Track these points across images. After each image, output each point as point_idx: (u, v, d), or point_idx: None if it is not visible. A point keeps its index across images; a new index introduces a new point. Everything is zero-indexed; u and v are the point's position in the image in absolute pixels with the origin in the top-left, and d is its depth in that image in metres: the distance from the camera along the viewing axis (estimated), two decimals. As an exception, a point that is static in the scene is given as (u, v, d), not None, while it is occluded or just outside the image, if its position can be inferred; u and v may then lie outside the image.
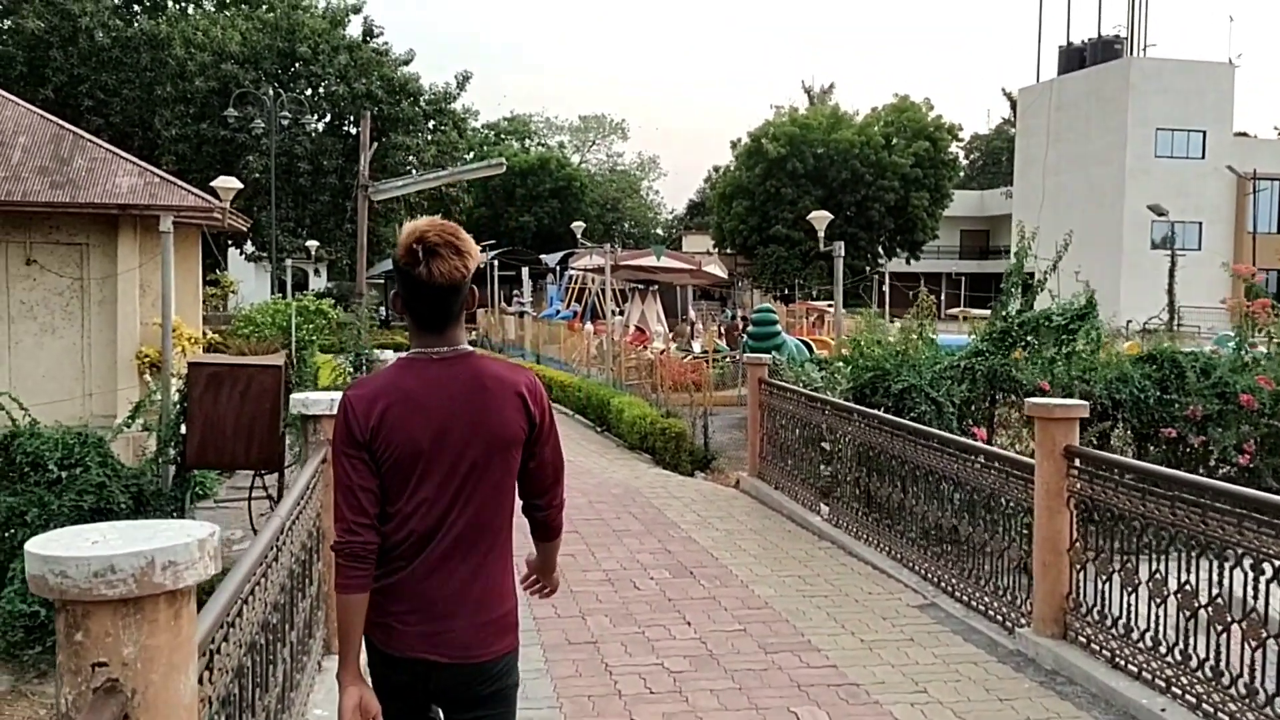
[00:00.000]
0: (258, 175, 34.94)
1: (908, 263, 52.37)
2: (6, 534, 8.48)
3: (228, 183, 11.19)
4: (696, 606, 6.10)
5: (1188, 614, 4.32)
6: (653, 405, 15.95)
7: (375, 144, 34.12)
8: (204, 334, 14.24)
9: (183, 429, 9.44)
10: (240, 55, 35.84)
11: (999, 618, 5.67)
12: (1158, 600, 4.42)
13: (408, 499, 2.48)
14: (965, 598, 6.05)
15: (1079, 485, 4.99)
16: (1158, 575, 4.43)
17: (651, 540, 7.80)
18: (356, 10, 39.47)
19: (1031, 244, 11.70)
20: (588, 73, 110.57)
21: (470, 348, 2.60)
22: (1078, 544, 5.05)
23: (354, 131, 36.63)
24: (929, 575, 6.52)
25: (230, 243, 39.77)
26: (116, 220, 12.08)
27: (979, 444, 6.30)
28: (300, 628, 4.01)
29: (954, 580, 6.22)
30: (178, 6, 40.08)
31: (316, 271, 49.96)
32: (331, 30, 37.95)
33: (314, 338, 20.57)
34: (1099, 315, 11.01)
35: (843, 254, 12.00)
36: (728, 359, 21.93)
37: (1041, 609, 5.14)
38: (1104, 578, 4.81)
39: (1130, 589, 4.62)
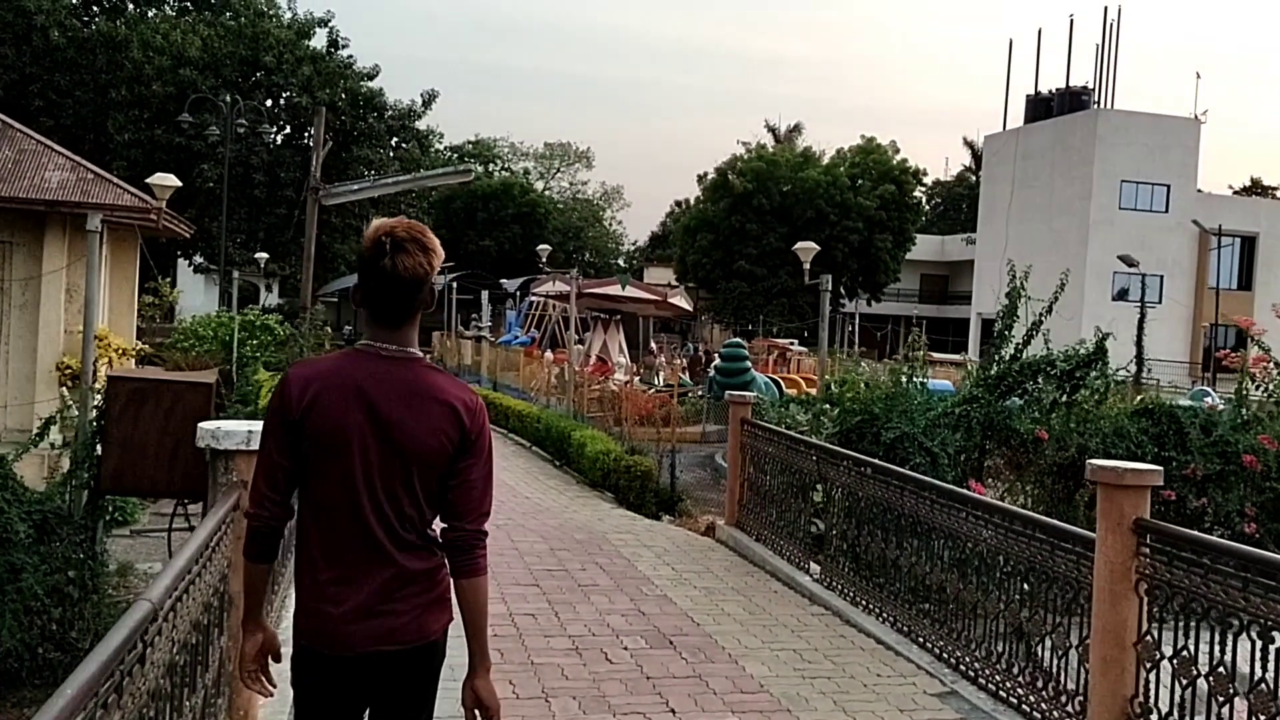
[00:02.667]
0: (211, 184, 33.75)
1: (869, 304, 52.12)
2: (-118, 566, 7.41)
3: (165, 180, 10.21)
4: (680, 688, 5.20)
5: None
6: (615, 440, 15.07)
7: (336, 154, 33.14)
8: (136, 346, 13.16)
9: (99, 449, 8.42)
10: (200, 61, 34.73)
11: (1038, 715, 4.84)
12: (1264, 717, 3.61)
13: (329, 483, 2.50)
14: (993, 686, 5.21)
15: (1152, 567, 4.19)
16: (1262, 687, 3.62)
17: (623, 599, 6.89)
18: (324, 23, 38.54)
19: (1025, 285, 11.04)
20: (554, 99, 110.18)
21: (419, 354, 2.61)
22: (1148, 637, 4.23)
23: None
24: (945, 655, 5.68)
25: (179, 253, 38.47)
26: (44, 218, 11.05)
27: (1016, 509, 5.49)
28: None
29: (977, 664, 5.38)
30: (137, 10, 38.86)
31: (268, 287, 48.55)
32: (297, 41, 36.97)
33: (258, 354, 19.46)
34: (1109, 362, 10.31)
35: (830, 288, 11.21)
36: (694, 394, 21.11)
37: (1100, 712, 4.31)
38: (1185, 681, 4.00)
39: (1222, 698, 3.81)
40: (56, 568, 8.18)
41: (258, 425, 3.72)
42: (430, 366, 2.61)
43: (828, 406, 9.92)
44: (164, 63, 34.07)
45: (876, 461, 7.08)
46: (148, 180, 10.53)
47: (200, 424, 3.81)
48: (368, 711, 2.66)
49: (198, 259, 39.75)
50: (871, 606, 6.58)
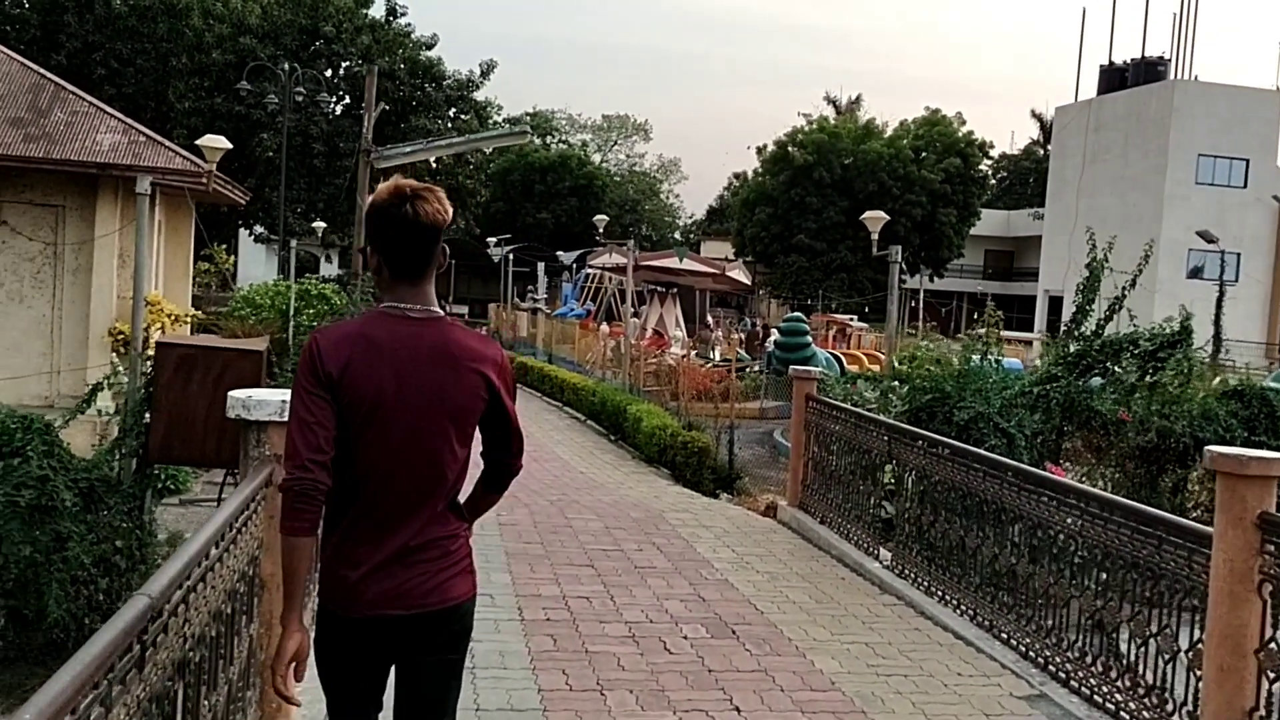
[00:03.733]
0: (271, 154, 33.81)
1: (931, 280, 51.06)
2: (-72, 532, 7.29)
3: (214, 142, 9.98)
4: (744, 683, 4.84)
5: None
6: (672, 415, 14.72)
7: (394, 123, 33.02)
8: (190, 313, 13.04)
9: (147, 417, 8.24)
10: (260, 29, 34.72)
11: (1138, 724, 4.41)
12: None
13: (363, 448, 2.46)
14: (1088, 690, 4.78)
15: (1279, 566, 3.74)
16: None
17: (681, 583, 6.54)
18: (382, -9, 38.35)
19: (1109, 257, 10.46)
20: (611, 71, 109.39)
21: (441, 312, 2.57)
22: (1272, 645, 3.79)
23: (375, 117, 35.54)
24: (1032, 654, 5.26)
25: (240, 222, 38.71)
26: (96, 181, 10.90)
27: (1117, 499, 5.02)
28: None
29: (1069, 665, 4.95)
30: (199, -22, 38.97)
31: (328, 258, 48.83)
32: (355, 10, 36.82)
33: (314, 323, 19.37)
34: (1194, 343, 9.74)
35: (899, 260, 10.72)
36: (752, 369, 20.68)
37: (1215, 726, 3.88)
38: (1318, 698, 3.56)
39: (1365, 720, 3.37)
40: (104, 537, 8.01)
41: (287, 393, 3.42)
42: (454, 324, 2.60)
43: (897, 384, 9.47)
44: (224, 30, 34.11)
45: (955, 443, 6.65)
46: (197, 142, 10.31)
47: (230, 393, 3.51)
48: (394, 675, 2.63)
49: (258, 229, 39.94)
50: (949, 597, 6.16)
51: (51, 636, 7.66)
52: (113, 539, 8.07)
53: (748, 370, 20.30)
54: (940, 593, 6.26)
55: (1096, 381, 9.86)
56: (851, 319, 32.22)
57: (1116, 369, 9.98)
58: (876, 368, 20.18)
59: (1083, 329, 10.39)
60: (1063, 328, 10.96)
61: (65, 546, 7.75)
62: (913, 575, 6.62)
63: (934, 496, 6.54)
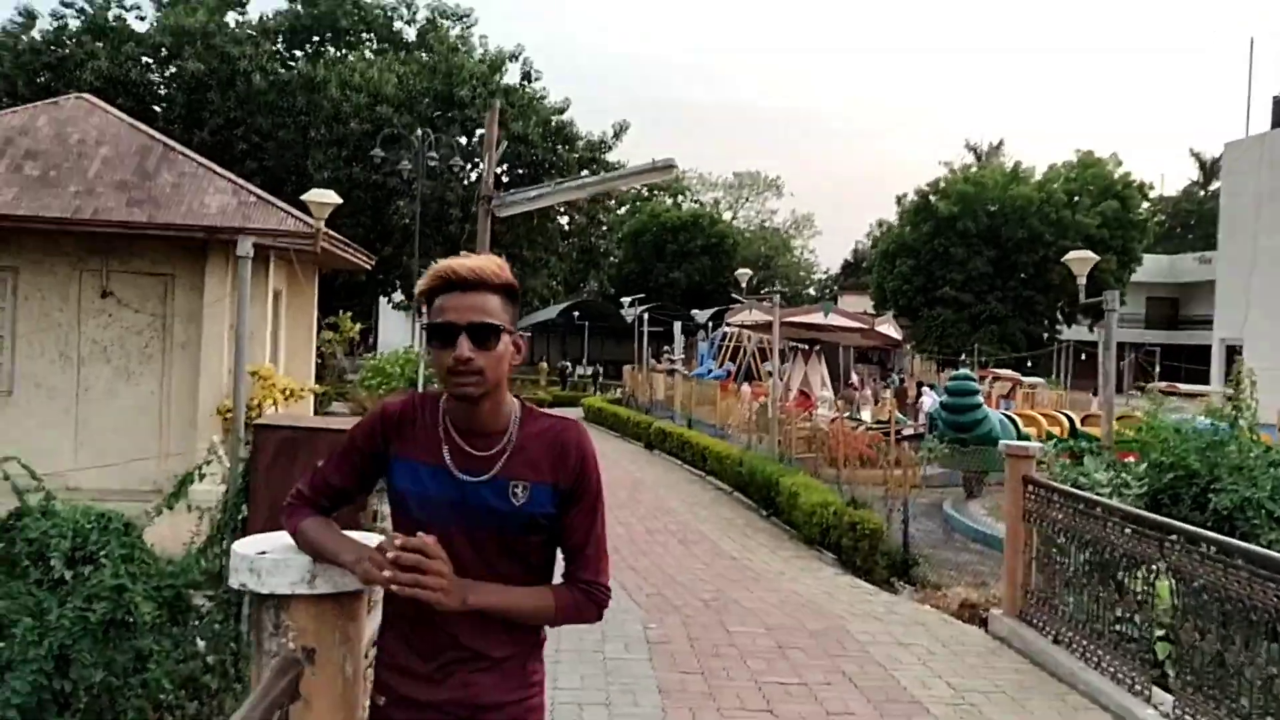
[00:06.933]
0: (407, 221, 33.70)
1: (1091, 330, 47.89)
2: (-8, 650, 6.26)
3: (322, 196, 9.07)
4: None
5: None
6: (831, 488, 13.10)
7: (524, 183, 32.55)
8: (307, 386, 12.10)
9: (244, 509, 7.13)
10: (396, 98, 34.90)
11: None
12: None
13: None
14: None
15: None
16: None
17: (892, 739, 4.96)
18: (515, 57, 38.31)
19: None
20: (740, 129, 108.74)
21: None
22: None
23: (508, 181, 35.26)
24: None
25: (380, 291, 38.84)
26: (204, 246, 10.07)
27: None
28: None
29: None
30: (337, 52, 39.63)
31: (466, 322, 48.77)
32: (489, 75, 36.78)
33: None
34: None
35: (1116, 307, 8.97)
36: (914, 432, 18.82)
37: None
38: None
39: None
40: (190, 654, 6.86)
41: (298, 560, 2.09)
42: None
43: (1131, 462, 7.69)
44: (361, 100, 34.40)
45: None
46: (303, 197, 9.46)
47: (234, 547, 2.18)
48: None
49: (397, 296, 40.01)
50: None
51: (129, 772, 6.54)
52: (201, 655, 6.92)
53: (907, 433, 18.47)
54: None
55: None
56: (1019, 376, 29.82)
57: None
58: (1057, 430, 18.11)
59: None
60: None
61: (145, 667, 6.62)
62: (1209, 731, 4.88)
63: (1242, 627, 4.82)
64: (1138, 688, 5.49)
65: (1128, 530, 5.79)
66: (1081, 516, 6.23)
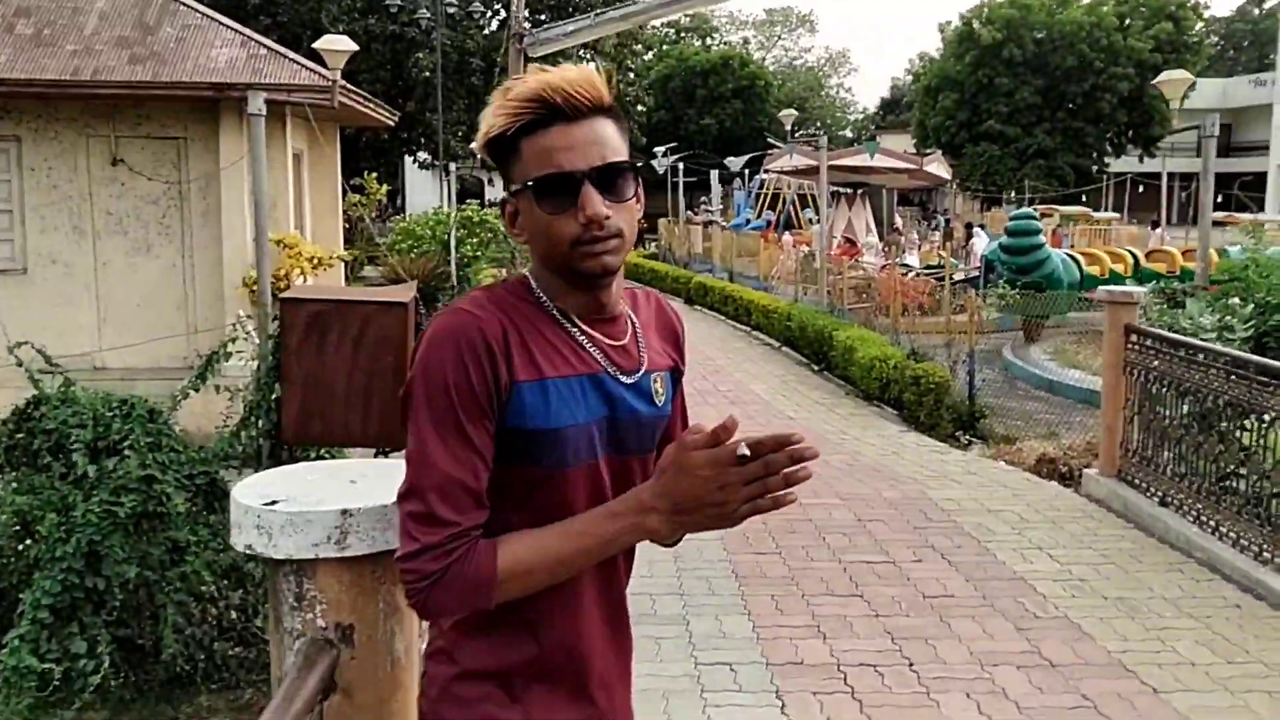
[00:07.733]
0: (428, 74, 32.43)
1: (1140, 161, 46.10)
2: (18, 548, 5.91)
3: (334, 44, 8.23)
4: None
5: None
6: (888, 339, 12.50)
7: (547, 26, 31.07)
8: (335, 253, 11.50)
9: (277, 389, 6.63)
10: (413, -60, 33.15)
11: None
12: None
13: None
14: None
15: None
16: None
17: (1004, 630, 4.45)
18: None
19: None
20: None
21: None
22: None
23: (529, 26, 33.74)
24: None
25: (404, 149, 37.77)
26: (217, 105, 9.35)
27: None
28: None
29: None
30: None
31: (490, 181, 47.76)
32: (508, -86, 34.87)
33: (479, 252, 17.82)
34: None
35: (1213, 132, 8.11)
36: (968, 277, 18.02)
37: None
38: None
39: None
40: (230, 543, 6.46)
41: (354, 504, 1.49)
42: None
43: (1237, 302, 6.99)
44: (377, -54, 32.73)
45: None
46: (315, 45, 8.63)
47: (234, 494, 1.63)
48: None
49: (422, 155, 38.95)
50: None
51: (175, 669, 6.25)
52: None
53: (958, 278, 17.68)
54: None
55: None
56: (1080, 210, 28.61)
57: None
58: (1120, 268, 17.26)
59: None
60: None
61: (182, 559, 6.26)
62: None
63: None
64: (1265, 554, 4.95)
65: (1243, 378, 5.17)
66: (1206, 371, 5.59)
